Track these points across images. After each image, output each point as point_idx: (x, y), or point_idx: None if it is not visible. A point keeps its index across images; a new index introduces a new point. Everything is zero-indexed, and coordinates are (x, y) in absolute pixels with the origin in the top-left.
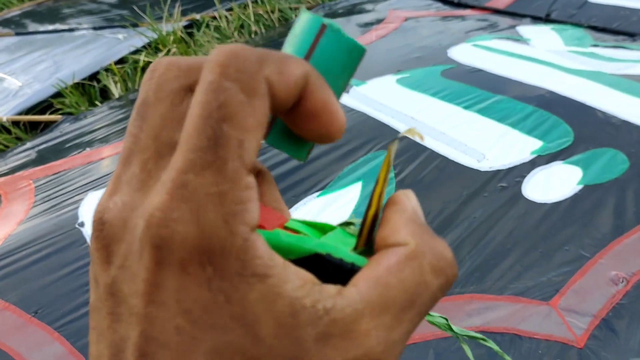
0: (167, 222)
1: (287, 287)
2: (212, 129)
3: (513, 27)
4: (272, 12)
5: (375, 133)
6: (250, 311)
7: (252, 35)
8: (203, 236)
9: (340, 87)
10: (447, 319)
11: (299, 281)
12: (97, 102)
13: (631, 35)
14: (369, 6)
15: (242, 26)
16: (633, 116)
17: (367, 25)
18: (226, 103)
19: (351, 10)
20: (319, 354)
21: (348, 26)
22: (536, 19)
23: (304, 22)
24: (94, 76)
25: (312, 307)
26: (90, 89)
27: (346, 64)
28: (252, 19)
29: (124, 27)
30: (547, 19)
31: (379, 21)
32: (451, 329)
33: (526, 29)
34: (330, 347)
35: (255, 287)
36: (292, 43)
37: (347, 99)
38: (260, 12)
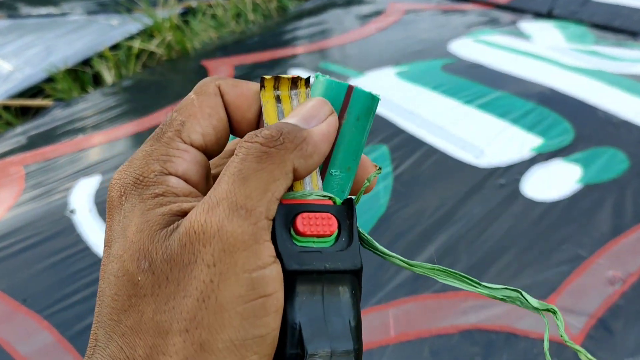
0: (115, 178)
1: (160, 209)
2: (168, 118)
3: (514, 22)
4: (270, 1)
5: (373, 126)
6: (130, 218)
7: (249, 24)
8: (134, 175)
9: (366, 130)
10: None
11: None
12: (89, 89)
13: (632, 34)
14: None
15: (238, 15)
16: (633, 115)
17: (366, 17)
18: (181, 102)
19: (350, 1)
20: (164, 245)
21: (347, 17)
22: (538, 15)
23: (329, 86)
24: (86, 62)
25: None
26: (83, 75)
27: (370, 110)
28: (250, 7)
29: (118, 12)
30: (548, 16)
31: (378, 13)
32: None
33: (528, 25)
34: (171, 239)
35: (147, 202)
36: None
37: None
38: (258, 1)
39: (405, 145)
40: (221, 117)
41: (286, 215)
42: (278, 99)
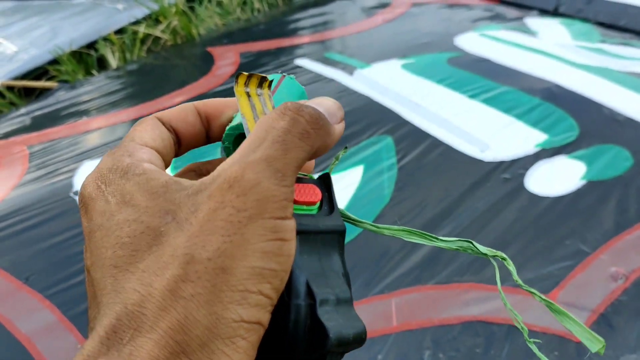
0: (85, 181)
1: (161, 179)
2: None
3: (520, 18)
4: None
5: (378, 117)
6: (127, 191)
7: (255, 13)
8: (107, 168)
9: None
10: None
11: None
12: (93, 72)
13: (638, 33)
14: None
15: (244, 2)
16: (638, 114)
17: (373, 9)
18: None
19: None
20: (189, 200)
21: (353, 8)
22: (544, 12)
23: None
24: (91, 45)
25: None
26: (88, 58)
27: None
28: None
29: None
30: (554, 13)
31: (384, 5)
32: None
33: (534, 21)
34: (199, 195)
35: (141, 177)
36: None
37: (350, 81)
38: None
39: (410, 137)
40: (162, 131)
41: None
42: (248, 95)
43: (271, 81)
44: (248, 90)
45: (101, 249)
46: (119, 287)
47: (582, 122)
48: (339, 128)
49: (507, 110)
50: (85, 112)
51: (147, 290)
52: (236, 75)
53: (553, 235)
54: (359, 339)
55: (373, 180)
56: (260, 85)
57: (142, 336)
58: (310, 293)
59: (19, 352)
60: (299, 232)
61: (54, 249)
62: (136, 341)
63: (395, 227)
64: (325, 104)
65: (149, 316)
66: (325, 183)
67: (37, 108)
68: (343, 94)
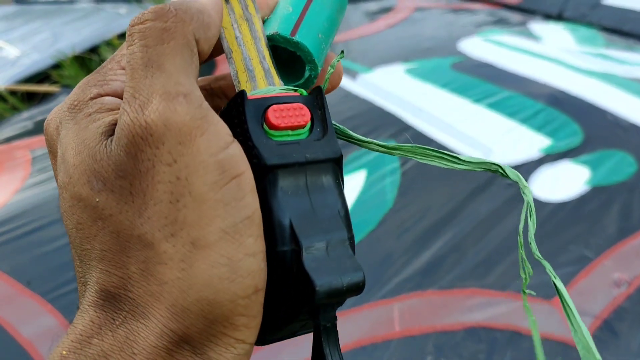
0: (50, 115)
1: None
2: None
3: (524, 23)
4: None
5: (381, 121)
6: (66, 142)
7: None
8: (69, 102)
9: (337, 25)
10: None
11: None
12: None
13: None
14: None
15: None
16: None
17: (375, 13)
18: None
19: None
20: (111, 161)
21: (356, 13)
22: (548, 17)
23: None
24: (93, 50)
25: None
26: (90, 62)
27: (341, 6)
28: None
29: (126, 1)
30: (559, 17)
31: (387, 10)
32: None
33: (538, 26)
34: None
35: (80, 123)
36: None
37: (352, 86)
38: None
39: (413, 142)
40: None
41: (256, 110)
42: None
43: None
44: None
45: (61, 205)
46: (90, 262)
47: (586, 127)
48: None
49: (511, 115)
50: None
51: (124, 274)
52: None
53: (556, 241)
54: (355, 288)
55: (376, 184)
56: None
57: (136, 320)
58: (294, 238)
59: (21, 356)
60: (279, 166)
61: (56, 253)
62: (130, 325)
63: (407, 146)
64: None
65: (138, 301)
66: (317, 99)
67: (40, 112)
68: (346, 98)
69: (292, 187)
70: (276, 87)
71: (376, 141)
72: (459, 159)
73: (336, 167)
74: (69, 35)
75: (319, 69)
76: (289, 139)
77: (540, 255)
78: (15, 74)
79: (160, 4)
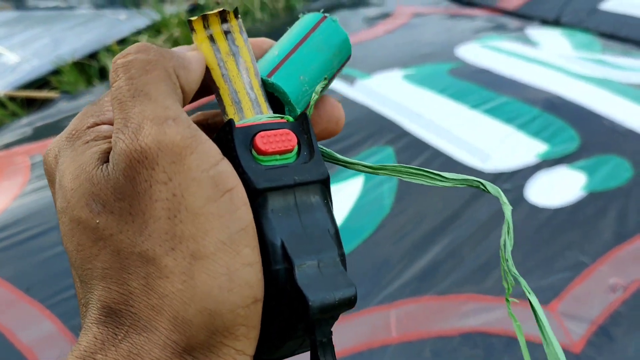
0: (50, 146)
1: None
2: None
3: (522, 29)
4: (278, 0)
5: (379, 127)
6: (63, 169)
7: (257, 23)
8: (68, 132)
9: (329, 70)
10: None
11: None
12: (95, 82)
13: (639, 44)
14: None
15: (246, 13)
16: (639, 125)
17: (374, 19)
18: None
19: (357, 3)
20: (109, 184)
21: (354, 19)
22: (545, 23)
23: (307, 17)
24: (93, 56)
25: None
26: (89, 68)
27: (338, 51)
28: (257, 6)
29: (126, 7)
30: (556, 23)
31: (385, 16)
32: None
33: (535, 32)
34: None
35: (77, 150)
36: (292, 29)
37: (350, 92)
38: (266, 0)
39: (410, 148)
40: None
41: (244, 137)
42: (211, 38)
43: (236, 9)
44: (211, 32)
45: (61, 229)
46: (91, 282)
47: (583, 133)
48: (191, 51)
49: (508, 120)
50: None
51: (126, 289)
52: (189, 23)
53: (553, 247)
54: (347, 302)
55: (373, 190)
56: (223, 20)
57: (139, 334)
58: (287, 256)
59: None
60: (268, 190)
61: (55, 260)
62: (132, 339)
63: (391, 165)
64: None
65: (140, 315)
66: (303, 124)
67: (39, 118)
68: (343, 104)
69: (283, 209)
70: (263, 115)
71: (362, 162)
72: (442, 177)
73: (324, 188)
74: (69, 41)
75: (298, 110)
76: (277, 163)
77: (517, 273)
78: (14, 80)
79: (136, 45)
